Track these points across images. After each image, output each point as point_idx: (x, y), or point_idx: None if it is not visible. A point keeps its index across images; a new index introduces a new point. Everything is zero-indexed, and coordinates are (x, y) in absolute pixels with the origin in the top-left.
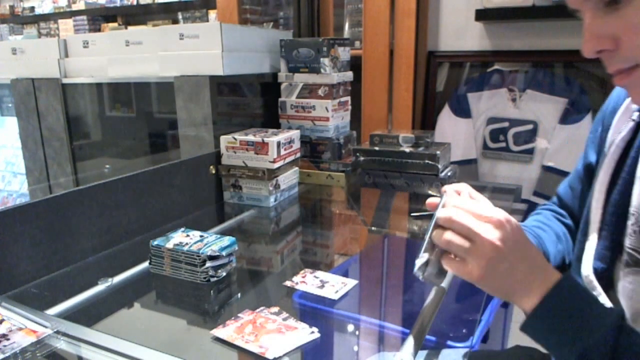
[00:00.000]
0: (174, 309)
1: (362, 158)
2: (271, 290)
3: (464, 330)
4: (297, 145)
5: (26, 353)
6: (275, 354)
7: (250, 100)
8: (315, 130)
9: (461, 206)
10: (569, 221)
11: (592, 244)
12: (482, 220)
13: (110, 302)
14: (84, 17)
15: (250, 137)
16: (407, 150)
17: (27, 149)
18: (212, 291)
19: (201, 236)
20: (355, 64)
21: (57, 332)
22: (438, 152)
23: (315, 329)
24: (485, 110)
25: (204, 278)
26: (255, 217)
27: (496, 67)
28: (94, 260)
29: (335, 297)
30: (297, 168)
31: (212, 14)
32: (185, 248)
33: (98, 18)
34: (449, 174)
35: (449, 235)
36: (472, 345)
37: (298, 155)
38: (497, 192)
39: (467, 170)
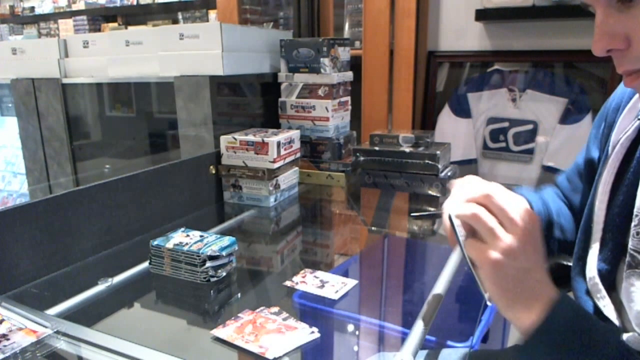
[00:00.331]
0: (174, 309)
1: (362, 158)
2: (271, 290)
3: (464, 330)
4: (297, 145)
5: (26, 353)
6: (275, 354)
7: (250, 100)
8: (315, 130)
9: (498, 194)
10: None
11: (595, 245)
12: (517, 217)
13: (110, 302)
14: (84, 17)
15: (250, 137)
16: (407, 150)
17: (27, 149)
18: (212, 291)
19: (201, 236)
20: (355, 64)
21: (57, 332)
22: (438, 152)
23: (315, 329)
24: (485, 110)
25: (204, 278)
26: (255, 217)
27: (496, 67)
28: (94, 260)
29: (335, 297)
30: (297, 168)
31: (212, 14)
32: (185, 248)
33: (98, 18)
34: (449, 174)
35: (482, 212)
36: (472, 345)
37: (298, 155)
38: None
39: (467, 170)
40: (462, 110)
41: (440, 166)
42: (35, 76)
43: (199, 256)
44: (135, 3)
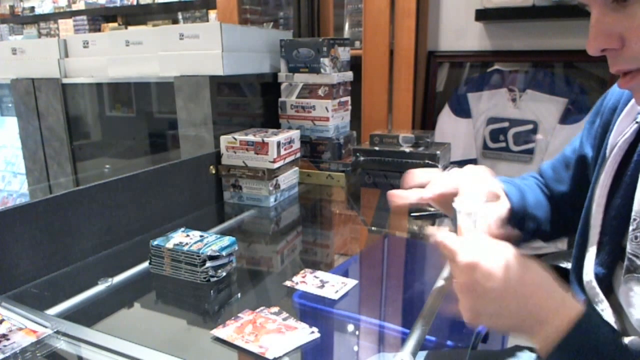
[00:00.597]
0: (174, 309)
1: (362, 158)
2: (271, 290)
3: (464, 330)
4: (297, 145)
5: (26, 353)
6: (275, 354)
7: (250, 100)
8: (315, 130)
9: (443, 244)
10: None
11: (593, 248)
12: (454, 262)
13: (110, 302)
14: (84, 17)
15: (250, 137)
16: (407, 150)
17: (27, 149)
18: (212, 291)
19: (201, 236)
20: (355, 64)
21: (57, 332)
22: (438, 152)
23: (315, 329)
24: (485, 110)
25: (204, 278)
26: (255, 217)
27: (496, 67)
28: (94, 260)
29: (335, 297)
30: (297, 168)
31: (212, 14)
32: (185, 248)
33: (98, 18)
34: None
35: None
36: (472, 345)
37: (298, 155)
38: None
39: None
40: (462, 110)
41: (440, 166)
42: (35, 76)
43: (199, 256)
44: (135, 3)
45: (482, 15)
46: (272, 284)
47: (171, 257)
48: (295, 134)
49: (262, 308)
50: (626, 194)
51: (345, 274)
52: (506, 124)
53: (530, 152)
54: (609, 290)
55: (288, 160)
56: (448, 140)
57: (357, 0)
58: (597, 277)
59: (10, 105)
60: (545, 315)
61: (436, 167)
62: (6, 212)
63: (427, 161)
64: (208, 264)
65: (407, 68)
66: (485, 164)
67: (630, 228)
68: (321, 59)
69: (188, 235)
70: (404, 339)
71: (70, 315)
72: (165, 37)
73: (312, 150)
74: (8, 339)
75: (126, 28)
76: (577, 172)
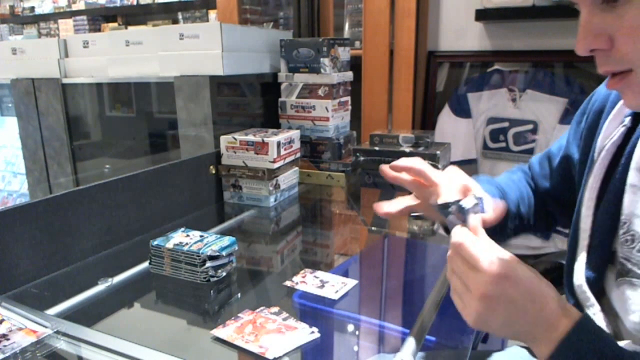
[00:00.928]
0: (174, 309)
1: (362, 158)
2: (271, 290)
3: (463, 331)
4: (297, 145)
5: (26, 353)
6: (275, 354)
7: (250, 100)
8: (315, 130)
9: (464, 247)
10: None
11: (583, 252)
12: (478, 270)
13: (110, 302)
14: (84, 17)
15: (250, 137)
16: (407, 150)
17: (27, 149)
18: (212, 291)
19: (201, 236)
20: (355, 64)
21: (57, 332)
22: (438, 152)
23: (315, 329)
24: (485, 110)
25: (204, 278)
26: (255, 217)
27: (496, 67)
28: (94, 260)
29: (335, 297)
30: (297, 168)
31: (212, 14)
32: (185, 248)
33: (98, 18)
34: None
35: (449, 273)
36: (472, 345)
37: (298, 155)
38: None
39: (467, 170)
40: (462, 110)
41: (440, 166)
42: (35, 76)
43: (199, 256)
44: (135, 3)
45: (482, 15)
46: (272, 284)
47: (171, 257)
48: (295, 134)
49: (262, 308)
50: (614, 197)
51: (345, 274)
52: (506, 124)
53: (530, 152)
54: (600, 294)
55: (288, 160)
56: (448, 140)
57: (357, 0)
58: (588, 281)
59: (10, 105)
60: (553, 322)
61: (437, 167)
62: (6, 212)
63: (427, 161)
64: (208, 264)
65: (407, 68)
66: (485, 164)
67: (621, 231)
68: (321, 59)
69: (188, 235)
70: (404, 339)
71: (70, 315)
72: (165, 37)
73: (312, 150)
74: (8, 339)
75: (126, 28)
76: (561, 169)
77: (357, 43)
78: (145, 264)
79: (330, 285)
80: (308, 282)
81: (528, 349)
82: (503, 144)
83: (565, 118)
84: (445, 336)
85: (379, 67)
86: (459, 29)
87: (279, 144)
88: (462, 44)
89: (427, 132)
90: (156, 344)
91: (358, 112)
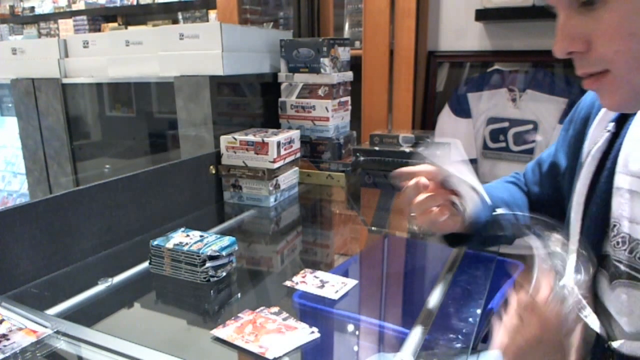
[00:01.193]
0: (174, 309)
1: (362, 158)
2: (271, 290)
3: (464, 331)
4: (297, 145)
5: (26, 353)
6: (275, 354)
7: (250, 100)
8: (315, 130)
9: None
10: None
11: (573, 256)
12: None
13: (110, 302)
14: (84, 17)
15: (250, 137)
16: (407, 150)
17: (27, 149)
18: (212, 291)
19: (201, 236)
20: (355, 64)
21: (57, 332)
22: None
23: (315, 329)
24: (485, 110)
25: (204, 278)
26: (255, 217)
27: (496, 67)
28: (94, 260)
29: (335, 297)
30: (297, 168)
31: (212, 14)
32: (185, 248)
33: (98, 18)
34: None
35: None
36: (472, 345)
37: (298, 155)
38: None
39: None
40: (462, 110)
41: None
42: (35, 76)
43: (199, 256)
44: (135, 3)
45: (482, 15)
46: (272, 284)
47: (171, 257)
48: (295, 134)
49: (262, 308)
50: (602, 201)
51: (345, 274)
52: (506, 124)
53: (530, 152)
54: (591, 296)
55: (288, 160)
56: (448, 140)
57: (357, 0)
58: (579, 285)
59: (10, 105)
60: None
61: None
62: (6, 212)
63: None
64: (208, 264)
65: (407, 68)
66: (485, 164)
67: (612, 234)
68: (321, 59)
69: (188, 235)
70: (404, 339)
71: (70, 315)
72: (165, 37)
73: (312, 150)
74: (8, 339)
75: (126, 28)
76: (549, 176)
77: (357, 43)
78: (145, 264)
79: (330, 285)
80: (308, 282)
81: None
82: (503, 144)
83: (565, 118)
84: (445, 336)
85: (379, 67)
86: (459, 29)
87: (279, 144)
88: (462, 44)
89: (427, 132)
90: (156, 344)
91: (358, 112)
